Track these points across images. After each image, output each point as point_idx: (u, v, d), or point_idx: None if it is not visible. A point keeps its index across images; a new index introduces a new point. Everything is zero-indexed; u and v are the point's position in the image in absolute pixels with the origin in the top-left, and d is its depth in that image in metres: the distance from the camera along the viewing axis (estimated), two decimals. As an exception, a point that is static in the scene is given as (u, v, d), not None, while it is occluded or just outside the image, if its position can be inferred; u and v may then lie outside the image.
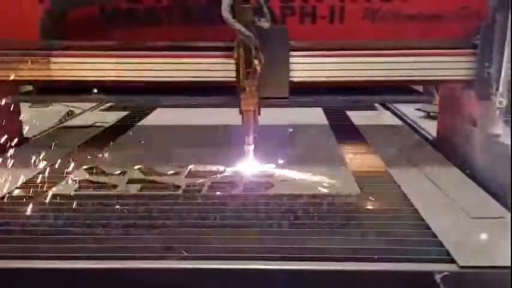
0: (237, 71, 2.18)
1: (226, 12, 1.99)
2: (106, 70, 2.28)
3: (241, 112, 2.24)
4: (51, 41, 2.30)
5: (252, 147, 2.29)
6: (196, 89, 2.40)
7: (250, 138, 2.28)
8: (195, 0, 2.32)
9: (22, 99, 2.69)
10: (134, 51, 2.28)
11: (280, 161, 2.37)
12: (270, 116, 2.40)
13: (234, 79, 2.21)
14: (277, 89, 2.23)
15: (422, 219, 1.79)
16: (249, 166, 2.32)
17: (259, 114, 2.27)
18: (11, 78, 2.32)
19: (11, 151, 2.71)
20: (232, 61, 2.18)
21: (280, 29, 2.23)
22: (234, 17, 2.00)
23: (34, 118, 3.86)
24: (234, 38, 2.11)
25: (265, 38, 2.08)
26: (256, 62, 2.08)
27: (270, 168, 2.32)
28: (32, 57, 2.29)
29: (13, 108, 2.86)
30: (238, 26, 2.00)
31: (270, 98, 2.25)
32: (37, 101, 3.86)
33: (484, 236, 1.66)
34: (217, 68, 2.25)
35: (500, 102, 2.08)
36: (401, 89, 2.48)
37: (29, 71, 2.30)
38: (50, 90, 2.53)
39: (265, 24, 2.09)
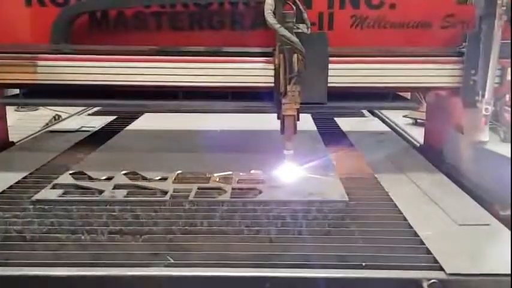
0: (276, 76, 2.15)
1: (271, 18, 1.95)
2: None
3: (279, 117, 2.21)
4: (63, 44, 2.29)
5: (291, 152, 2.24)
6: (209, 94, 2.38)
7: (290, 144, 2.23)
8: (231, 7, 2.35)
9: (8, 102, 2.63)
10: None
11: (269, 167, 2.36)
12: (261, 119, 2.37)
13: (272, 84, 2.19)
14: (316, 95, 2.19)
15: (410, 227, 1.79)
16: (238, 171, 2.31)
17: (298, 119, 2.21)
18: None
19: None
20: (271, 66, 2.16)
21: (320, 34, 2.21)
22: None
23: (20, 122, 3.83)
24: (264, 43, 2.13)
25: (305, 43, 2.04)
26: (300, 67, 2.05)
27: (258, 173, 2.31)
28: (26, 60, 2.23)
29: (-2, 111, 2.83)
30: (283, 31, 1.96)
31: (308, 104, 2.20)
32: (24, 104, 3.81)
33: (471, 243, 1.67)
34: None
35: (486, 110, 2.10)
36: (389, 96, 2.48)
37: (17, 74, 2.25)
38: (40, 94, 2.48)
39: (305, 30, 2.08)
